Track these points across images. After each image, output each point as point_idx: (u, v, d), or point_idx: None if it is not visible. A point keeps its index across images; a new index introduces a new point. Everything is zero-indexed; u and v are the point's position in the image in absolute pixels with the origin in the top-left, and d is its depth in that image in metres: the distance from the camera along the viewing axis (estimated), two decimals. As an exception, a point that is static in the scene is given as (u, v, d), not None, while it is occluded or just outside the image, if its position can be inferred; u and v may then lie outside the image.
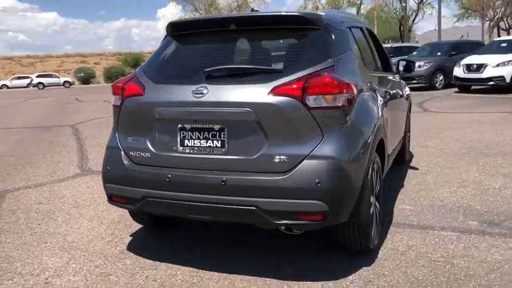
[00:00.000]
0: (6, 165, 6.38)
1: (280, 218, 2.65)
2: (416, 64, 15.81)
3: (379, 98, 3.50)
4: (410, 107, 5.82)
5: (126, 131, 3.06)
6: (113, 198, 3.10)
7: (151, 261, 3.15)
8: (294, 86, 2.63)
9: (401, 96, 4.90)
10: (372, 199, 3.08)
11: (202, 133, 2.79)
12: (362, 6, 43.43)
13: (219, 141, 2.76)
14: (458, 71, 14.74)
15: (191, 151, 2.82)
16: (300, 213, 2.62)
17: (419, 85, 16.03)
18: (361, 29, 3.97)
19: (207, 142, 2.78)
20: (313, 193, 2.59)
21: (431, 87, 16.21)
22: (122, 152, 3.05)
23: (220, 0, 32.69)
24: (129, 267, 3.07)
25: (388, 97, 3.97)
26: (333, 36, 2.99)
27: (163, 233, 3.68)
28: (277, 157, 2.65)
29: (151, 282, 2.86)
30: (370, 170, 2.91)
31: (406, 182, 4.85)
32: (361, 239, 3.00)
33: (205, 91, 2.76)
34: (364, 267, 2.97)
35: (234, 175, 2.69)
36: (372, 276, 2.86)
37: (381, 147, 3.34)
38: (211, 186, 2.71)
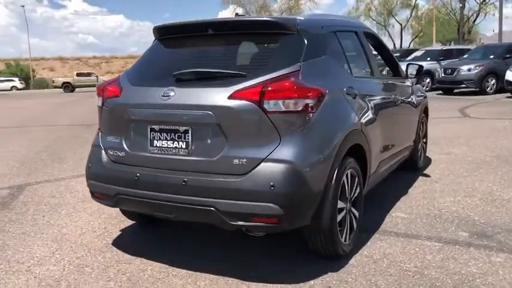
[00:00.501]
0: (37, 161, 6.80)
1: (236, 219, 2.70)
2: (466, 67, 16.31)
3: (365, 103, 3.46)
4: (427, 112, 5.65)
5: (107, 131, 3.22)
6: (94, 194, 3.27)
7: (129, 256, 3.29)
8: (253, 90, 2.67)
9: (409, 101, 4.79)
10: (343, 205, 3.06)
11: (169, 134, 2.90)
12: (419, 7, 41.91)
13: (184, 143, 2.85)
14: (511, 75, 14.02)
15: (159, 151, 2.93)
16: (255, 215, 2.66)
17: (468, 89, 15.68)
18: (356, 33, 3.93)
19: (173, 143, 2.88)
20: (268, 196, 2.62)
21: (481, 91, 15.84)
22: (103, 151, 3.21)
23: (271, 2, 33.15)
24: (107, 261, 3.23)
25: (382, 102, 3.91)
26: (306, 41, 3.00)
27: (149, 229, 3.82)
28: (236, 160, 2.70)
29: (120, 276, 2.99)
30: (336, 175, 2.89)
31: (412, 189, 4.73)
32: (328, 244, 2.99)
33: (172, 93, 2.87)
34: (329, 273, 2.96)
35: (194, 176, 2.78)
36: (334, 282, 2.84)
37: (359, 153, 3.31)
38: (173, 186, 2.81)
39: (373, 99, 3.69)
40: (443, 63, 17.12)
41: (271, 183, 2.61)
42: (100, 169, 3.18)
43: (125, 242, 3.57)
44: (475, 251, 3.25)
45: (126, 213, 3.77)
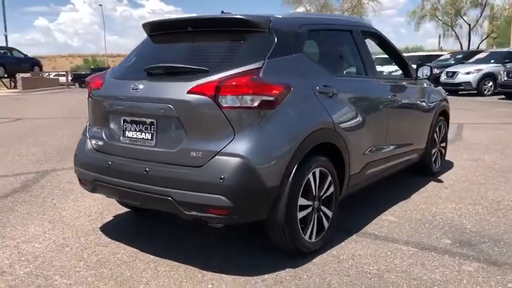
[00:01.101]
0: (71, 149, 7.23)
1: (191, 210, 2.80)
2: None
3: (346, 102, 3.44)
4: (446, 115, 5.43)
5: (92, 121, 3.44)
6: (80, 181, 3.49)
7: (108, 240, 3.49)
8: (209, 85, 2.76)
9: (416, 103, 4.64)
10: (307, 202, 3.06)
11: (138, 126, 3.05)
12: (494, 6, 39.36)
13: (150, 134, 2.99)
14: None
15: (129, 142, 3.10)
16: (207, 206, 2.75)
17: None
18: (351, 32, 3.88)
19: (141, 134, 3.03)
20: (218, 188, 2.69)
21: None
22: (88, 140, 3.43)
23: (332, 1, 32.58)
24: (87, 243, 3.44)
25: (374, 102, 3.85)
26: (276, 39, 3.04)
27: (140, 218, 4.00)
28: (193, 152, 2.80)
29: (92, 257, 3.18)
30: (296, 172, 2.89)
31: (416, 194, 4.59)
32: (288, 240, 3.01)
33: (140, 86, 3.02)
34: (288, 269, 2.98)
35: (155, 166, 2.91)
36: (287, 278, 2.87)
37: (335, 152, 3.29)
38: (137, 175, 2.96)
39: (360, 99, 3.64)
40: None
41: (222, 176, 2.69)
42: (84, 157, 3.39)
43: (110, 227, 3.78)
44: (448, 258, 3.14)
45: (120, 202, 3.96)
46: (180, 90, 2.83)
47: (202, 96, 2.76)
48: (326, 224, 3.29)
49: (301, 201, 3.02)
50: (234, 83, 2.74)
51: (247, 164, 2.71)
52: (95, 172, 3.23)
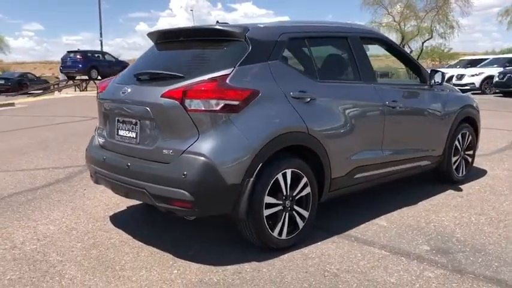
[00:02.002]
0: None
1: (161, 202, 3.13)
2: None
3: (327, 107, 3.57)
4: (472, 122, 5.26)
5: (100, 121, 3.89)
6: (90, 174, 3.96)
7: (111, 227, 3.92)
8: (178, 90, 3.06)
9: (426, 108, 4.59)
10: (275, 201, 3.24)
11: (126, 125, 3.43)
12: None
13: (134, 133, 3.36)
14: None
15: (120, 139, 3.49)
16: (173, 199, 3.06)
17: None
18: (347, 38, 3.99)
19: (128, 133, 3.41)
20: (181, 183, 2.99)
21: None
22: (96, 137, 3.88)
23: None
24: (92, 228, 3.89)
25: (367, 107, 3.93)
26: (250, 48, 3.27)
27: (149, 211, 4.39)
28: (165, 150, 3.12)
29: (89, 240, 3.62)
30: (259, 172, 3.09)
31: (424, 201, 4.54)
32: (255, 235, 3.22)
33: (128, 90, 3.40)
34: (253, 262, 3.20)
35: (135, 161, 3.27)
36: (247, 270, 3.09)
37: (313, 155, 3.44)
38: (121, 169, 3.34)
39: (347, 104, 3.74)
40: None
41: (184, 172, 2.98)
42: (92, 153, 3.85)
43: (119, 216, 4.21)
44: (415, 264, 3.17)
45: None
46: (155, 94, 3.17)
47: (172, 100, 3.07)
48: (301, 224, 3.44)
49: (269, 199, 3.21)
50: (199, 88, 3.02)
51: (207, 162, 2.97)
52: (95, 165, 3.67)
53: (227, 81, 3.07)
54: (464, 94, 5.36)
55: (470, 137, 5.24)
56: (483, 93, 20.27)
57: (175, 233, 3.75)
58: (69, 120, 11.81)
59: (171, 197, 3.05)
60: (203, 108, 3.02)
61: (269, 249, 3.32)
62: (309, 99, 3.45)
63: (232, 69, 3.14)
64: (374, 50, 4.73)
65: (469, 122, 5.21)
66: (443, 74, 4.64)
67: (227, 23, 3.73)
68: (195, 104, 3.03)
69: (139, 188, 3.19)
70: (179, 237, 3.66)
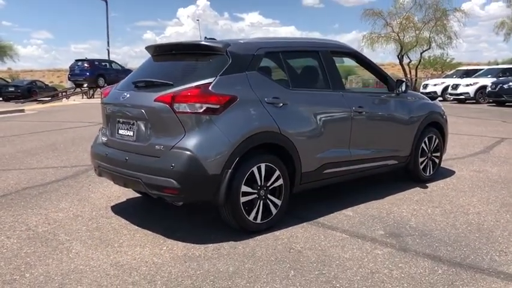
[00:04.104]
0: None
1: (153, 190, 3.72)
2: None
3: (298, 111, 4.16)
4: (439, 127, 5.83)
5: (103, 122, 4.50)
6: (94, 168, 4.57)
7: (113, 214, 4.51)
8: (168, 95, 3.66)
9: (391, 114, 5.17)
10: (250, 190, 3.82)
11: (125, 125, 4.04)
12: None
13: (132, 132, 3.97)
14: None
15: (120, 137, 4.10)
16: (163, 187, 3.65)
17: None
18: (318, 52, 4.59)
19: (127, 132, 4.02)
20: (169, 173, 3.58)
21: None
22: (100, 136, 4.49)
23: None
24: (96, 215, 4.48)
25: (333, 111, 4.50)
26: (230, 60, 3.88)
27: (148, 201, 4.97)
28: (157, 146, 3.72)
29: (93, 224, 4.21)
30: (237, 164, 3.66)
31: (391, 196, 5.09)
32: (233, 219, 3.80)
33: (128, 95, 4.01)
34: (231, 241, 3.77)
35: (132, 156, 3.87)
36: (225, 247, 3.66)
37: (285, 152, 4.02)
38: (120, 162, 3.94)
39: (316, 109, 4.32)
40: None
41: (172, 164, 3.57)
42: (96, 149, 4.45)
43: (119, 206, 4.80)
44: (369, 244, 3.73)
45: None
46: (149, 99, 3.77)
47: (163, 104, 3.67)
48: (274, 210, 4.02)
49: (245, 188, 3.79)
50: (186, 94, 3.63)
51: (192, 155, 3.56)
52: (98, 160, 4.28)
53: (210, 88, 3.67)
54: (432, 102, 5.94)
55: (437, 140, 5.81)
56: (477, 102, 21.43)
57: (168, 220, 4.33)
58: (76, 126, 12.46)
59: (162, 185, 3.64)
60: (189, 111, 3.62)
61: (245, 232, 3.89)
62: (281, 104, 4.05)
63: (214, 78, 3.74)
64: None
65: (436, 126, 5.79)
66: (407, 84, 5.23)
67: (214, 39, 4.34)
68: (182, 107, 3.63)
69: (136, 178, 3.79)
70: (171, 223, 4.24)
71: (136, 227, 4.14)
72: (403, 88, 5.20)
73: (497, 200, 4.96)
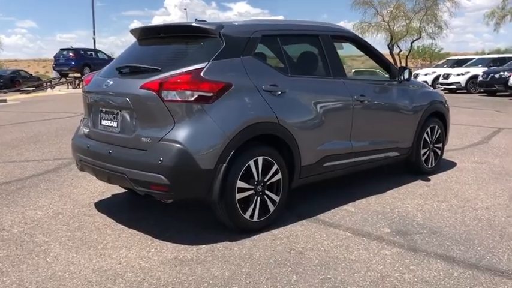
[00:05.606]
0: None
1: (139, 186, 3.38)
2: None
3: (297, 100, 3.83)
4: (441, 117, 5.55)
5: (85, 112, 4.13)
6: (76, 162, 4.21)
7: (96, 212, 4.16)
8: (155, 82, 3.31)
9: (393, 103, 4.87)
10: (247, 185, 3.50)
11: (108, 115, 3.68)
12: None
13: (115, 123, 3.61)
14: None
15: (103, 129, 3.74)
16: (150, 183, 3.31)
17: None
18: (318, 36, 4.25)
19: (111, 122, 3.66)
20: (157, 168, 3.24)
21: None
22: (81, 128, 4.13)
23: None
24: (78, 213, 4.13)
25: (334, 100, 4.19)
26: (224, 44, 3.53)
27: (133, 198, 4.63)
28: (144, 138, 3.38)
29: (74, 223, 3.86)
30: (232, 158, 3.34)
31: (393, 190, 4.82)
32: (229, 218, 3.47)
33: (110, 82, 3.65)
34: (226, 242, 3.45)
35: (117, 149, 3.52)
36: (220, 248, 3.34)
37: (284, 144, 3.70)
38: (103, 156, 3.59)
39: (316, 97, 4.00)
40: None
41: (161, 158, 3.23)
42: (77, 142, 4.09)
43: (104, 203, 4.45)
44: (375, 243, 3.44)
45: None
46: (134, 86, 3.42)
47: (150, 91, 3.32)
48: (272, 207, 3.70)
49: (241, 184, 3.47)
50: (175, 80, 3.28)
51: (182, 148, 3.23)
52: (80, 153, 3.92)
53: (201, 74, 3.33)
54: (434, 90, 5.66)
55: (439, 131, 5.53)
56: (468, 92, 21.25)
57: (156, 218, 4.00)
58: (60, 116, 12.00)
59: (149, 181, 3.30)
60: (179, 99, 3.28)
61: (241, 231, 3.58)
62: (279, 92, 3.72)
63: (206, 63, 3.40)
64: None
65: (438, 116, 5.50)
66: (410, 71, 4.92)
67: (205, 21, 3.98)
68: (171, 95, 3.28)
69: (120, 173, 3.44)
70: (159, 221, 3.91)
71: (122, 226, 3.80)
72: (406, 75, 4.90)
73: (505, 194, 4.71)
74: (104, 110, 3.74)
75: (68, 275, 2.93)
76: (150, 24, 4.08)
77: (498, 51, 37.35)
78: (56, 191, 4.84)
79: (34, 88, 28.01)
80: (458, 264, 3.08)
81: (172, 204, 3.94)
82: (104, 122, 3.74)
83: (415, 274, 2.94)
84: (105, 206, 4.34)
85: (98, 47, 34.48)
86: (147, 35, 4.08)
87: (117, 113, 3.59)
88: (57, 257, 3.21)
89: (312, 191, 4.62)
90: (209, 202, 3.46)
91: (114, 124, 3.63)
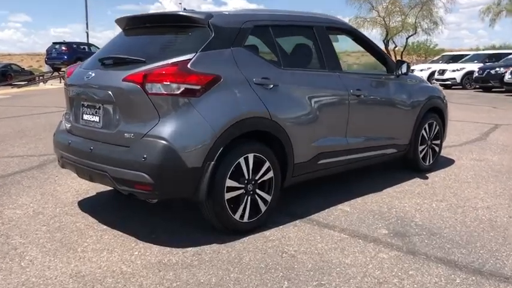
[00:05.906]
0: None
1: (122, 185, 3.17)
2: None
3: (290, 94, 3.63)
4: (439, 112, 5.37)
5: (67, 106, 3.91)
6: (58, 159, 3.99)
7: (79, 211, 3.95)
8: (139, 74, 3.10)
9: (390, 98, 4.68)
10: (236, 184, 3.30)
11: (90, 109, 3.47)
12: None
13: (98, 117, 3.40)
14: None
15: (85, 124, 3.53)
16: (134, 182, 3.10)
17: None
18: (312, 28, 4.05)
19: (92, 117, 3.45)
20: (141, 166, 3.04)
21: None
22: (63, 122, 3.91)
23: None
24: (60, 212, 3.92)
25: (329, 94, 3.99)
26: (213, 34, 3.32)
27: (119, 196, 4.41)
28: (127, 134, 3.17)
29: (55, 224, 3.65)
30: (220, 156, 3.15)
31: (390, 188, 4.64)
32: (217, 218, 3.28)
33: (92, 74, 3.43)
34: (214, 244, 3.26)
35: (98, 145, 3.31)
36: (207, 251, 3.15)
37: (274, 140, 3.51)
38: (84, 153, 3.38)
39: (310, 91, 3.80)
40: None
41: (144, 155, 3.03)
42: (58, 137, 3.87)
43: (88, 202, 4.24)
44: (372, 246, 3.26)
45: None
46: (117, 79, 3.21)
47: (133, 84, 3.11)
48: (263, 207, 3.51)
49: (230, 183, 3.27)
50: (160, 72, 3.07)
51: (167, 145, 3.02)
52: (61, 150, 3.71)
53: (188, 65, 3.12)
54: (432, 85, 5.47)
55: (437, 127, 5.35)
56: (464, 88, 21.10)
57: (141, 218, 3.80)
58: (51, 111, 11.73)
59: (132, 179, 3.09)
60: (164, 92, 3.07)
61: (230, 232, 3.38)
62: (272, 85, 3.51)
63: (194, 54, 3.19)
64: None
65: (436, 112, 5.32)
66: (408, 65, 4.73)
67: (193, 10, 3.77)
68: (155, 88, 3.07)
69: (102, 171, 3.24)
70: (144, 222, 3.71)
71: (105, 227, 3.59)
72: (404, 70, 4.70)
73: (505, 193, 4.54)
74: (85, 103, 3.53)
75: (43, 281, 2.73)
76: (135, 14, 3.85)
77: (493, 48, 37.22)
78: (38, 189, 4.62)
79: (26, 82, 27.60)
80: (461, 269, 2.90)
81: (159, 203, 3.73)
82: (85, 117, 3.53)
83: (415, 280, 2.76)
84: (89, 205, 4.13)
85: (93, 41, 34.22)
86: (133, 25, 3.86)
87: (99, 107, 3.38)
88: (33, 260, 3.01)
89: (305, 190, 4.43)
90: (196, 202, 3.26)
91: (96, 119, 3.41)
